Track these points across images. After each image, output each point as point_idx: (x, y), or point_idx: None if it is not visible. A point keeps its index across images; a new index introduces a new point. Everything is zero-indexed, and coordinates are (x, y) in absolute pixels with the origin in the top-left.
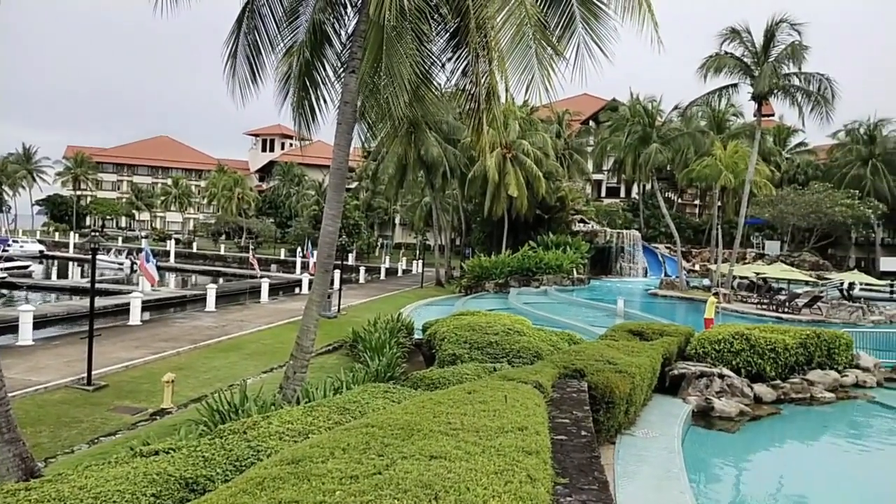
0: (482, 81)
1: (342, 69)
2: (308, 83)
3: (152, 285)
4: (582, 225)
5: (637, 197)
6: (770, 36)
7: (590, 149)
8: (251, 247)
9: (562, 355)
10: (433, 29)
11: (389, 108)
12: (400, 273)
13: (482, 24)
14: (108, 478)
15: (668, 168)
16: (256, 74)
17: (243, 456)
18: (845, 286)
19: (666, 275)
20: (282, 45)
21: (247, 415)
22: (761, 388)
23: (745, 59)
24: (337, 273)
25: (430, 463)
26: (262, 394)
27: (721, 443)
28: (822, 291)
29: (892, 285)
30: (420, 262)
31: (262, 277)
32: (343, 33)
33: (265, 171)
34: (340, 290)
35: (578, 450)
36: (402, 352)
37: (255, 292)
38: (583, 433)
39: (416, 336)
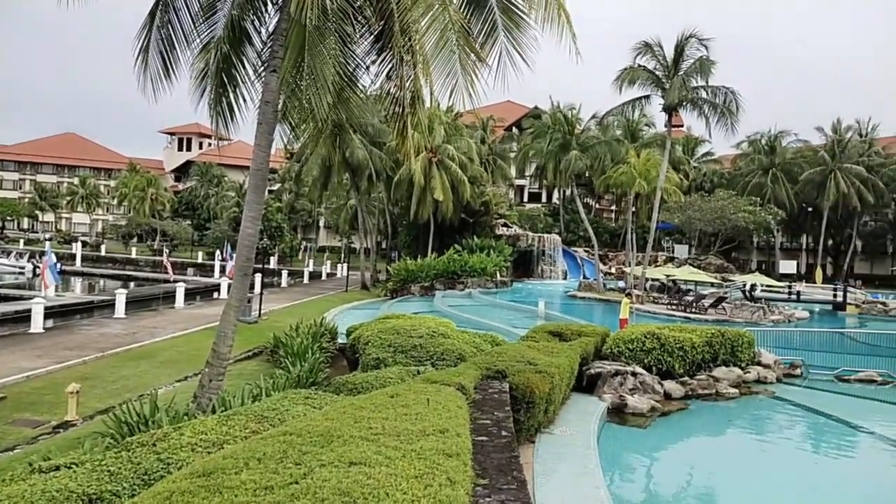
0: (407, 85)
1: (263, 68)
2: (226, 81)
3: (47, 290)
4: (505, 229)
5: (558, 202)
6: (680, 50)
7: (513, 155)
8: (165, 250)
9: (484, 357)
10: (357, 31)
11: (312, 110)
12: (324, 277)
13: (406, 28)
14: (1, 497)
15: (587, 174)
16: (170, 70)
17: (152, 469)
18: (747, 287)
19: (584, 277)
20: (198, 40)
21: (158, 426)
22: (671, 385)
23: (657, 72)
24: (258, 277)
25: (350, 470)
26: (174, 403)
27: (634, 438)
28: (726, 292)
29: (789, 286)
30: (345, 265)
31: (175, 282)
32: (264, 31)
33: (182, 171)
34: (262, 294)
35: (499, 450)
36: (325, 357)
37: (169, 297)
38: (503, 434)
39: (340, 340)
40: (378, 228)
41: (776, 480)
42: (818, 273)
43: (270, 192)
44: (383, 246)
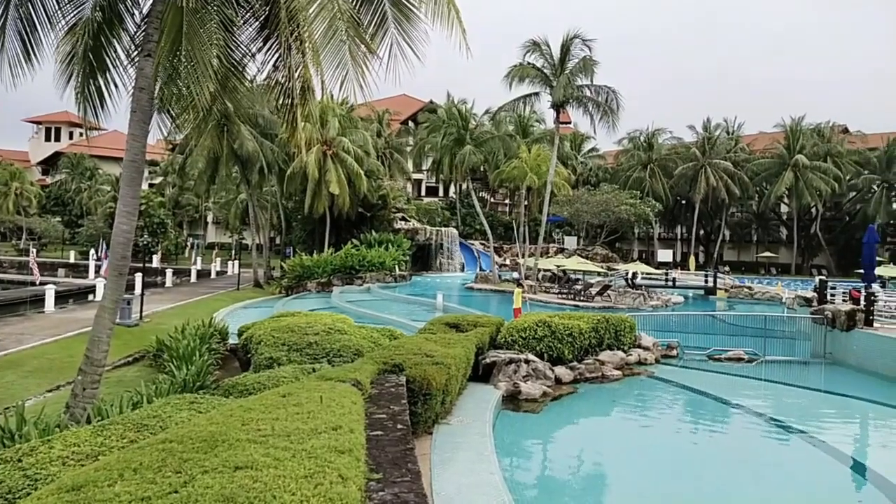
0: (296, 75)
1: (136, 52)
2: (95, 65)
3: None
4: (403, 223)
5: (454, 196)
6: (565, 50)
7: (409, 148)
8: (32, 249)
9: (382, 351)
10: (241, 16)
11: (193, 98)
12: (213, 275)
13: (293, 15)
14: None
15: (482, 169)
16: (32, 53)
17: (17, 487)
18: (629, 275)
19: (481, 269)
20: (63, 21)
21: (25, 440)
22: (561, 370)
23: (545, 70)
24: (139, 276)
25: (235, 474)
26: (45, 416)
27: (527, 423)
28: (611, 281)
29: (666, 274)
30: (236, 262)
31: (42, 284)
32: (137, 13)
33: (50, 164)
34: (143, 295)
35: (394, 443)
36: (214, 359)
37: (39, 301)
38: (399, 427)
39: (231, 341)
40: (271, 223)
41: (659, 454)
42: (692, 261)
43: (152, 185)
44: (277, 241)
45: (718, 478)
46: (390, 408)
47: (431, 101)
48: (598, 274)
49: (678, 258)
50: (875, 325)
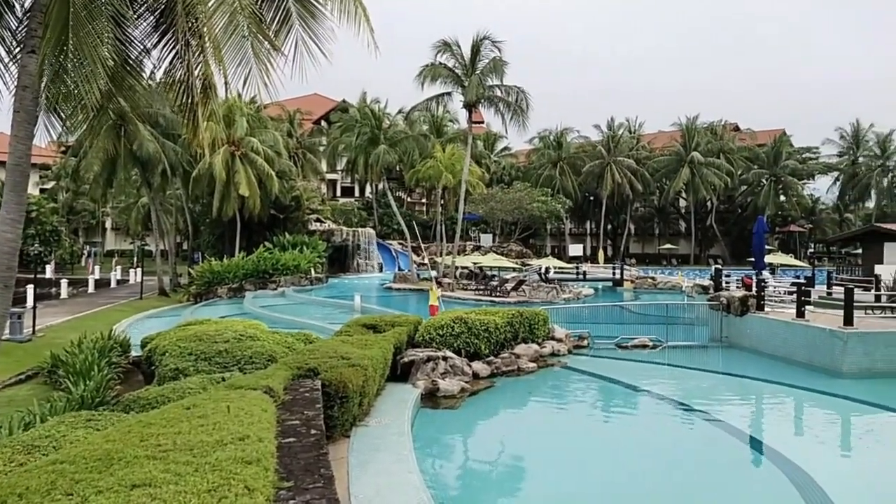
0: (196, 72)
1: (18, 48)
2: None
3: None
4: (318, 224)
5: (371, 196)
6: (476, 50)
7: (322, 148)
8: None
9: (296, 356)
10: (134, 9)
11: (83, 97)
12: (114, 284)
13: (191, 9)
14: None
15: (398, 168)
16: None
17: None
18: (542, 270)
19: (399, 269)
20: None
21: None
22: (478, 366)
23: (457, 70)
24: (30, 288)
25: (132, 493)
26: None
27: (446, 420)
28: (525, 276)
29: (577, 267)
30: (139, 270)
31: None
32: (18, 5)
33: None
34: (35, 308)
35: (307, 450)
36: (115, 373)
37: None
38: (312, 432)
39: (134, 353)
40: (177, 228)
41: (574, 442)
42: (601, 254)
43: (44, 191)
44: (184, 247)
45: (630, 461)
46: (304, 413)
47: (344, 101)
48: (514, 270)
49: (588, 252)
50: (766, 309)
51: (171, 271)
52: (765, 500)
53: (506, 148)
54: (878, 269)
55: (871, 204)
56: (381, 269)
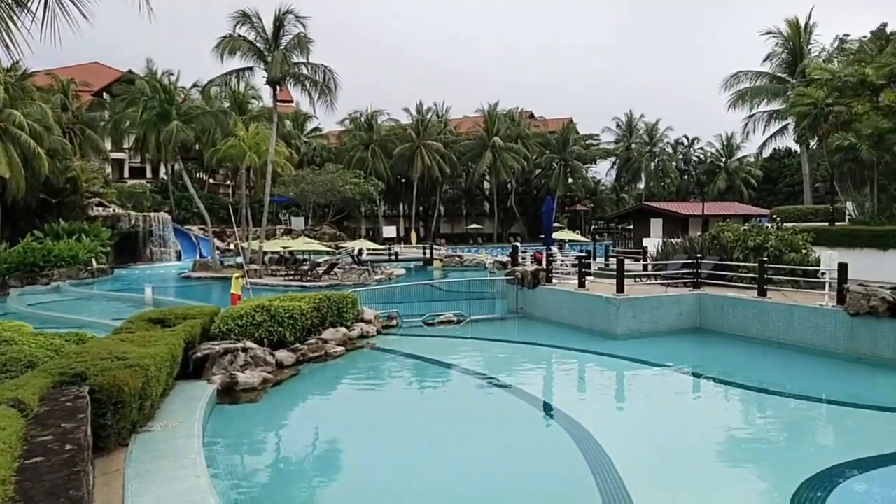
0: None
1: None
2: None
3: None
4: (101, 209)
5: (166, 177)
6: (279, 25)
7: (104, 124)
8: None
9: (60, 360)
10: None
11: None
12: None
13: None
14: None
15: (197, 147)
16: None
17: None
18: (355, 252)
19: (201, 256)
20: None
21: None
22: (282, 354)
23: (258, 45)
24: None
25: None
26: None
27: (246, 414)
28: (337, 259)
29: (390, 248)
30: None
31: None
32: None
33: None
34: None
35: (56, 469)
36: None
37: None
38: (67, 448)
39: None
40: None
41: (384, 422)
42: (413, 235)
43: None
44: None
45: (439, 436)
46: (61, 426)
47: (130, 71)
48: (327, 253)
49: (401, 233)
50: (554, 281)
51: None
52: (550, 458)
53: (316, 128)
54: (645, 241)
55: (641, 185)
56: (179, 257)
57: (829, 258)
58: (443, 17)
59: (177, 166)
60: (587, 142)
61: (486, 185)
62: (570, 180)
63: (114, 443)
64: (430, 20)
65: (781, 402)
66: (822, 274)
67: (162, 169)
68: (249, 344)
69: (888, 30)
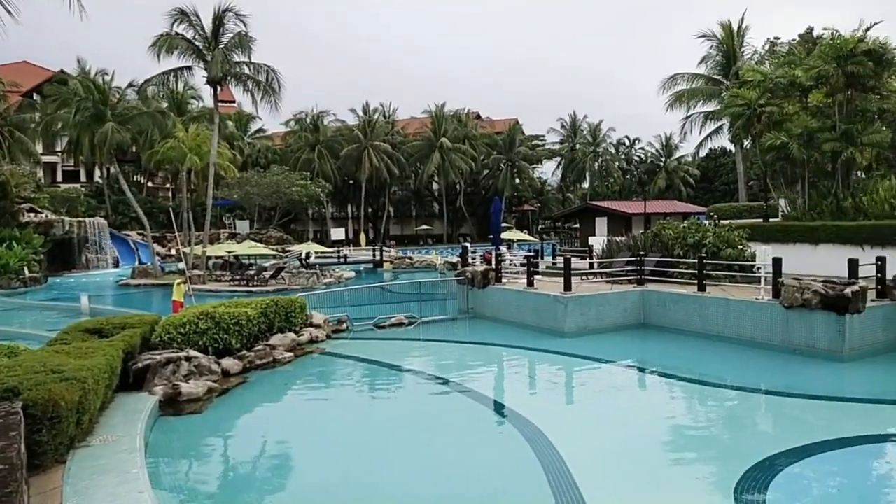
0: None
1: None
2: None
3: None
4: (33, 215)
5: (101, 181)
6: (219, 23)
7: (35, 125)
8: None
9: None
10: None
11: None
12: None
13: None
14: None
15: (134, 149)
16: None
17: None
18: (304, 256)
19: (140, 263)
20: None
21: None
22: (228, 362)
23: (197, 43)
24: None
25: None
26: None
27: (191, 426)
28: (285, 262)
29: (339, 251)
30: None
31: None
32: None
33: None
34: None
35: None
36: None
37: None
38: None
39: None
40: None
41: (335, 428)
42: (362, 237)
43: None
44: None
45: (391, 440)
46: None
47: (62, 71)
48: (273, 257)
49: (350, 235)
50: (503, 281)
51: None
52: (503, 458)
53: (260, 129)
54: (591, 240)
55: (586, 184)
56: (117, 264)
57: (763, 253)
58: (387, 17)
59: (113, 169)
60: (533, 142)
61: (435, 186)
62: (518, 181)
63: (50, 460)
64: (374, 21)
65: (722, 393)
66: (758, 269)
67: (97, 172)
68: (193, 353)
69: (815, 33)
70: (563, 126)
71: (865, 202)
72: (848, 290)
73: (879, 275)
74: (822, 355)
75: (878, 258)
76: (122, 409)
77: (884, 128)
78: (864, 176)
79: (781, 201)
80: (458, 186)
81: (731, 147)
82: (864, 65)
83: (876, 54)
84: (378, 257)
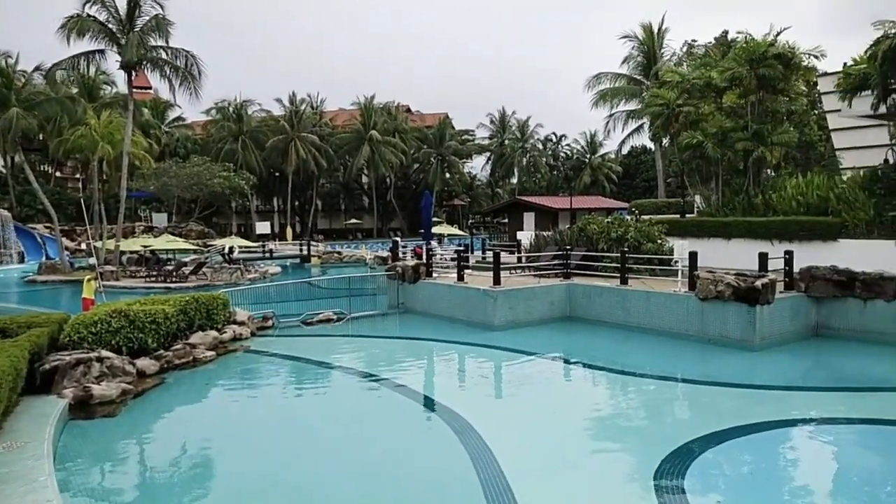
0: None
1: None
2: None
3: None
4: None
5: (4, 170)
6: (134, 5)
7: None
8: None
9: None
10: None
11: None
12: None
13: None
14: None
15: (41, 137)
16: None
17: None
18: (226, 250)
19: (47, 258)
20: None
21: None
22: (144, 362)
23: (111, 26)
24: None
25: None
26: None
27: (104, 430)
28: (206, 258)
29: (264, 245)
30: None
31: None
32: None
33: None
34: None
35: None
36: None
37: None
38: None
39: None
40: None
41: (259, 428)
42: (289, 231)
43: None
44: None
45: (318, 438)
46: None
47: None
48: (194, 251)
49: (276, 229)
50: (434, 275)
51: None
52: (432, 452)
53: (179, 118)
54: (519, 234)
55: (514, 180)
56: (22, 259)
57: (680, 247)
58: (316, 4)
59: (17, 158)
60: (463, 137)
61: (365, 179)
62: (448, 175)
63: None
64: (302, 8)
65: (643, 383)
66: (676, 262)
67: (0, 161)
68: (105, 353)
69: (730, 36)
70: (492, 121)
71: (774, 199)
72: (758, 283)
73: (787, 268)
74: (735, 345)
75: (785, 252)
76: (28, 414)
77: (791, 128)
78: (773, 174)
79: (697, 198)
80: (388, 180)
81: (651, 145)
82: (775, 67)
83: (785, 58)
84: (306, 252)
